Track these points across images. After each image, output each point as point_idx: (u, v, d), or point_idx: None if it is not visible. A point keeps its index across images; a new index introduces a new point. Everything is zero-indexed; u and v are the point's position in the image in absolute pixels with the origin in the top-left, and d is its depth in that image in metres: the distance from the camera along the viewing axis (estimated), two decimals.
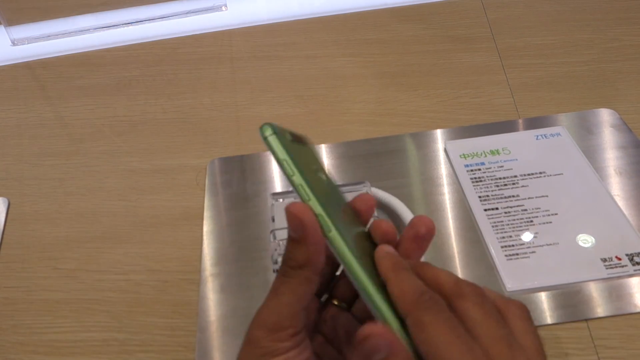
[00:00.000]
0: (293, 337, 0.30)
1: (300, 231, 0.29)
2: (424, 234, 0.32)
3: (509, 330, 0.28)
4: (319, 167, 0.34)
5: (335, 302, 0.34)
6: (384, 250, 0.31)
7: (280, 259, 0.48)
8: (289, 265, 0.30)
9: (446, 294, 0.29)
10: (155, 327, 0.48)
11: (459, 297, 0.28)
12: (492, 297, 0.30)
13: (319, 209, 0.30)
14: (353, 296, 0.34)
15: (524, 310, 0.30)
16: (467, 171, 0.58)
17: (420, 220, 0.32)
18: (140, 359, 0.46)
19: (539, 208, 0.53)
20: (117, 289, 0.51)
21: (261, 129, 0.31)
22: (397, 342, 0.27)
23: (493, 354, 0.27)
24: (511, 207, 0.54)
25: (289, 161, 0.30)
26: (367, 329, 0.27)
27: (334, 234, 0.30)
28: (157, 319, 0.49)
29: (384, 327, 0.28)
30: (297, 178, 0.30)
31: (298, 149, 0.32)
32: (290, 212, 0.29)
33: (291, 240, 0.30)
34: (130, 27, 0.86)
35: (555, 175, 0.56)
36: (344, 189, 0.52)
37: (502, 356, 0.27)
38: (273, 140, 0.31)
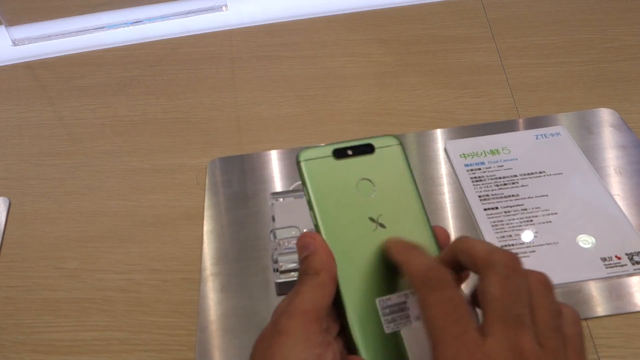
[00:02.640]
0: (322, 333, 0.30)
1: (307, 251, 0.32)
2: (440, 246, 0.33)
3: (527, 310, 0.26)
4: (367, 176, 0.36)
5: None
6: (393, 239, 0.32)
7: (280, 259, 0.48)
8: (306, 272, 0.31)
9: (477, 266, 0.28)
10: (155, 326, 0.48)
11: (486, 269, 0.27)
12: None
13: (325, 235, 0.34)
14: None
15: (574, 314, 0.28)
16: (467, 171, 0.58)
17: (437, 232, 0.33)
18: (140, 358, 0.47)
19: (539, 207, 0.54)
20: (118, 289, 0.52)
21: (297, 156, 0.36)
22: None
23: (491, 332, 0.26)
24: (511, 206, 0.54)
25: (306, 188, 0.35)
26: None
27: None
28: (158, 318, 0.49)
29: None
30: (310, 204, 0.35)
31: (333, 169, 0.36)
32: (298, 246, 0.32)
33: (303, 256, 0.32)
34: (131, 27, 0.86)
35: (555, 174, 0.56)
36: None
37: (501, 337, 0.25)
38: (301, 166, 0.36)
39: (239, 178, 0.60)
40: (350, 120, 0.66)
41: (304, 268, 0.31)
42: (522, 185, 0.56)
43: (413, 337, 0.33)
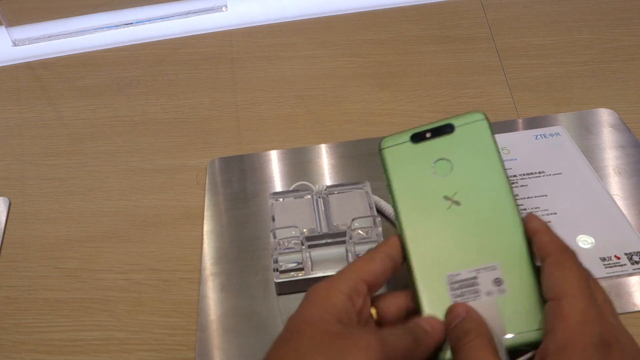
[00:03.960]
0: (363, 310, 0.35)
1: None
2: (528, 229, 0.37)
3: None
4: (445, 156, 0.38)
5: (372, 312, 0.37)
6: (534, 215, 0.36)
7: (280, 259, 0.48)
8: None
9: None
10: (155, 326, 0.49)
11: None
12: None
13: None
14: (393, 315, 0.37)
15: None
16: None
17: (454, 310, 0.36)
18: (140, 357, 0.47)
19: (538, 207, 0.54)
20: (118, 288, 0.52)
21: (379, 144, 0.39)
22: (472, 309, 0.34)
23: (605, 312, 0.32)
24: None
25: (386, 174, 0.38)
26: (454, 307, 0.34)
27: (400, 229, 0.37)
28: (158, 318, 0.49)
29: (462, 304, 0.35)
30: (389, 189, 0.38)
31: (411, 153, 0.38)
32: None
33: None
34: (131, 28, 0.86)
35: (555, 174, 0.57)
36: (343, 189, 0.53)
37: (609, 316, 0.31)
38: (382, 154, 0.39)
39: (239, 178, 0.60)
40: (350, 120, 0.66)
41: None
42: (522, 185, 0.56)
43: (481, 311, 0.35)
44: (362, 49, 0.77)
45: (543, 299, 0.34)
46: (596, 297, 0.32)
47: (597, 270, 0.48)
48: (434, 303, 0.35)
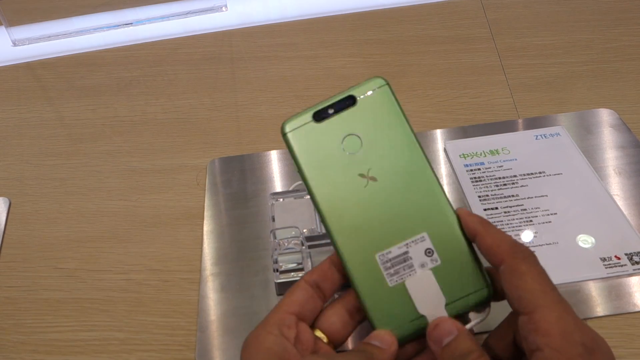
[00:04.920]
0: (300, 338, 0.35)
1: None
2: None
3: None
4: (352, 131, 0.36)
5: (317, 333, 0.36)
6: (466, 211, 0.35)
7: (280, 259, 0.48)
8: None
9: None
10: (155, 326, 0.49)
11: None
12: None
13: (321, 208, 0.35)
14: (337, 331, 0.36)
15: None
16: (467, 171, 0.58)
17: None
18: (140, 358, 0.47)
19: (539, 208, 0.54)
20: (118, 289, 0.52)
21: (281, 128, 0.36)
22: (460, 325, 0.32)
23: (573, 312, 0.30)
24: (511, 206, 0.54)
25: (294, 159, 0.35)
26: (436, 320, 0.33)
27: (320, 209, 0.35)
28: (158, 318, 0.49)
29: (447, 317, 0.33)
30: (301, 174, 0.35)
31: (316, 133, 0.36)
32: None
33: None
34: (131, 28, 0.86)
35: (555, 175, 0.57)
36: None
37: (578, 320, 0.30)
38: (287, 139, 0.36)
39: (239, 178, 0.60)
40: None
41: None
42: (522, 186, 0.56)
43: (418, 285, 0.34)
44: (362, 49, 0.77)
45: (477, 258, 0.34)
46: (561, 297, 0.31)
47: (598, 271, 0.48)
48: (372, 290, 0.34)
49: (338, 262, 0.35)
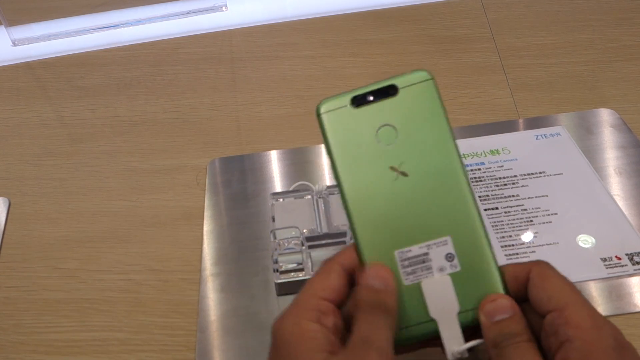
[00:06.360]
0: (337, 326, 0.32)
1: None
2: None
3: None
4: (388, 122, 0.35)
5: None
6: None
7: (280, 259, 0.48)
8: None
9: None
10: (155, 326, 0.48)
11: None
12: None
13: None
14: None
15: None
16: (467, 171, 0.58)
17: None
18: (140, 358, 0.47)
19: (539, 208, 0.54)
20: (118, 289, 0.52)
21: (317, 108, 0.35)
22: (517, 307, 0.32)
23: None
24: (511, 206, 0.54)
25: (326, 142, 0.34)
26: (493, 295, 0.32)
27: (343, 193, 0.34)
28: (158, 319, 0.49)
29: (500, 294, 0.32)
30: (331, 160, 0.34)
31: (352, 118, 0.35)
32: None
33: None
34: (131, 28, 0.86)
35: (555, 175, 0.56)
36: None
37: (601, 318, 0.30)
38: (321, 120, 0.35)
39: (239, 178, 0.60)
40: None
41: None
42: (522, 186, 0.56)
43: (434, 288, 0.33)
44: (362, 49, 0.77)
45: (500, 272, 0.33)
46: (586, 299, 0.32)
47: (598, 271, 0.48)
48: None
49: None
